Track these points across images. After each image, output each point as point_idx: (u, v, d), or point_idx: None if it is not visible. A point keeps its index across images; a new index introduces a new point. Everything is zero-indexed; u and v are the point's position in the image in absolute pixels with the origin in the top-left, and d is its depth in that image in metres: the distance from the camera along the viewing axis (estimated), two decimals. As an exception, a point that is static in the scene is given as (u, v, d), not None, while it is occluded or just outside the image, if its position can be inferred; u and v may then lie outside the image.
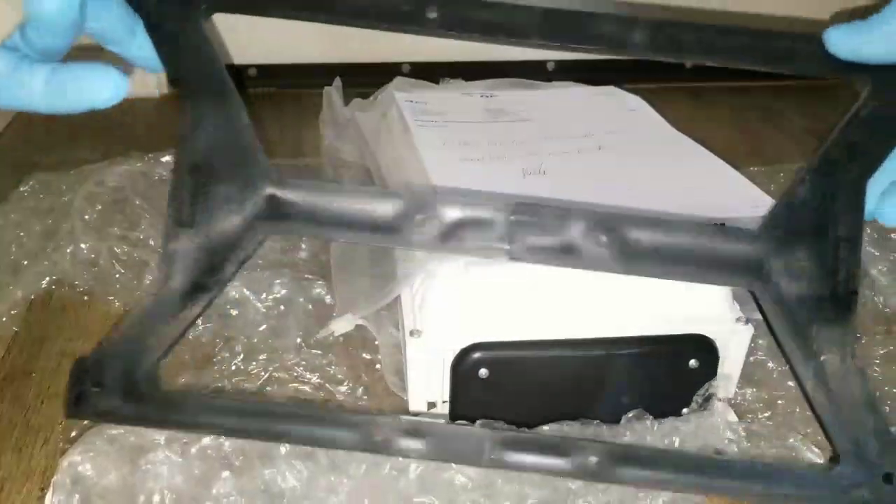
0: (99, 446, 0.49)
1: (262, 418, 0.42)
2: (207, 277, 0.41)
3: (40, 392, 0.57)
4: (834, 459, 0.41)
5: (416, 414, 0.54)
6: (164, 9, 0.41)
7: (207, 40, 0.41)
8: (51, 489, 0.47)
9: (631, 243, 0.41)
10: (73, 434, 0.52)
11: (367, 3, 0.41)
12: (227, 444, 0.50)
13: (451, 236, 0.41)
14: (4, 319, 0.64)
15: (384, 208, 0.41)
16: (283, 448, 0.49)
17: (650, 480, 0.41)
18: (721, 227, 0.42)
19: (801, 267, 0.41)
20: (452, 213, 0.41)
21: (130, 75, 0.40)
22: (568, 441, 0.42)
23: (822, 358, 0.41)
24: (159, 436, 0.49)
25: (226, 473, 0.48)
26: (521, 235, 0.41)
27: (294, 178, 0.41)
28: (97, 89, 0.38)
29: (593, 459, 0.41)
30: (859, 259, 0.41)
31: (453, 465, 0.48)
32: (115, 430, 0.50)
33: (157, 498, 0.47)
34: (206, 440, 0.49)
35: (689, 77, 1.21)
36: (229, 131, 0.41)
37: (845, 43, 0.40)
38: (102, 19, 0.40)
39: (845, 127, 0.41)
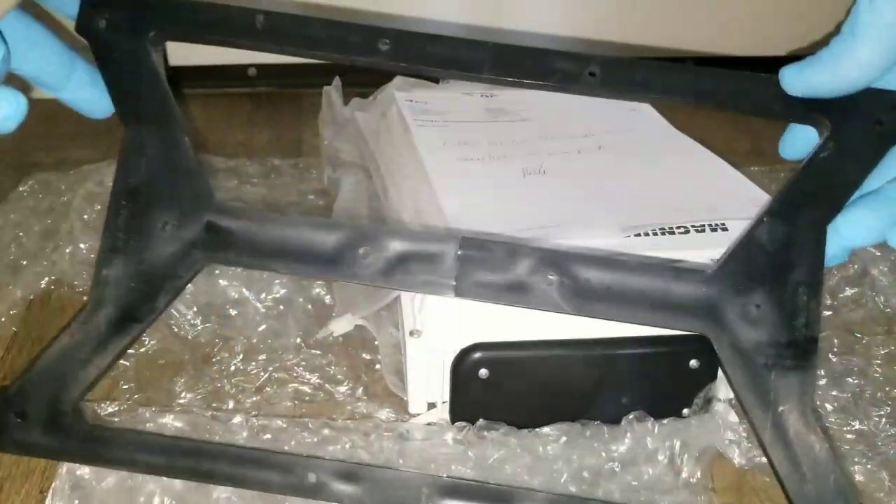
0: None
1: (190, 457, 0.42)
2: (139, 306, 0.40)
3: (40, 392, 0.57)
4: None
5: (415, 415, 0.54)
6: (114, 36, 0.40)
7: (155, 67, 0.41)
8: (50, 494, 0.47)
9: (581, 282, 0.40)
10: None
11: (322, 34, 0.41)
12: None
13: (396, 270, 0.40)
14: (3, 319, 0.64)
15: (326, 240, 0.40)
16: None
17: None
18: (674, 268, 0.41)
19: (758, 312, 0.40)
20: (397, 247, 0.40)
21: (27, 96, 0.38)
22: (513, 492, 0.41)
23: (779, 409, 0.39)
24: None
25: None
26: (469, 272, 0.40)
27: (238, 206, 0.41)
28: None
29: None
30: (819, 304, 0.40)
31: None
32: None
33: (156, 501, 0.47)
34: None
35: (689, 77, 1.20)
36: (171, 157, 0.40)
37: (797, 80, 0.40)
38: (33, 61, 0.38)
39: (805, 170, 0.40)
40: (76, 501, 0.46)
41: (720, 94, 0.42)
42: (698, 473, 0.49)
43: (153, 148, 0.40)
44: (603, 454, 0.50)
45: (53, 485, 0.47)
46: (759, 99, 0.41)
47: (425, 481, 0.41)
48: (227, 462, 0.42)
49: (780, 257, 0.40)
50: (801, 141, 0.43)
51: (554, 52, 0.41)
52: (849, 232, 0.39)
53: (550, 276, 0.40)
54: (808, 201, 0.40)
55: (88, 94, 0.40)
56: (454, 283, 0.40)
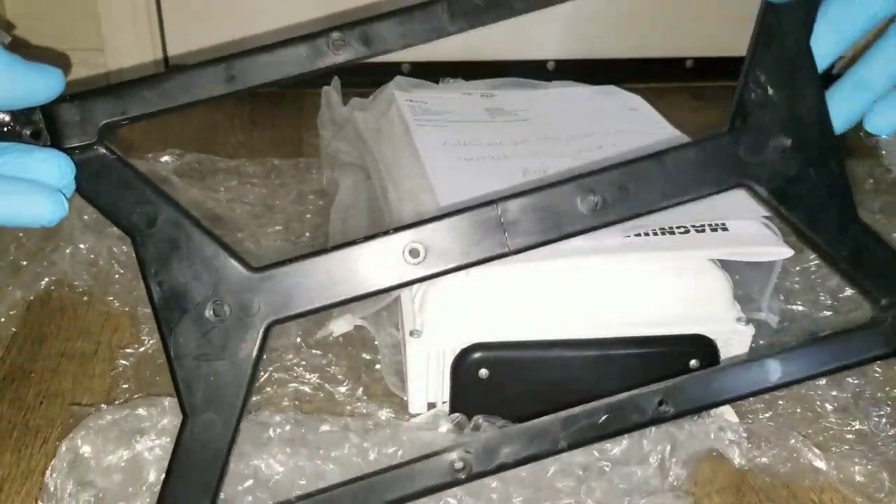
0: (97, 428, 0.49)
1: None
2: (230, 395, 0.40)
3: (39, 392, 0.57)
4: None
5: (415, 415, 0.54)
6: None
7: (119, 164, 0.40)
8: (49, 471, 0.47)
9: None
10: (71, 421, 0.53)
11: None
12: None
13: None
14: (3, 320, 0.64)
15: (367, 257, 0.40)
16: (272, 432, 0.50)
17: None
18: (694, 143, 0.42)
19: (784, 151, 0.41)
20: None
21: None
22: None
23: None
24: (157, 419, 0.50)
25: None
26: (514, 227, 0.41)
27: (272, 263, 0.40)
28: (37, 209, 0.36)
29: None
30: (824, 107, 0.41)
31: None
32: (111, 416, 0.51)
33: (153, 477, 0.47)
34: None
35: (689, 77, 1.20)
36: (187, 250, 0.40)
37: None
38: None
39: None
40: (72, 479, 0.47)
41: None
42: (684, 477, 0.49)
43: (163, 244, 0.40)
44: (595, 453, 0.50)
45: (52, 462, 0.48)
46: None
47: None
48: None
49: (783, 91, 0.41)
50: None
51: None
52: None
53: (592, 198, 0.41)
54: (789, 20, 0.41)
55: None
56: (507, 243, 0.40)
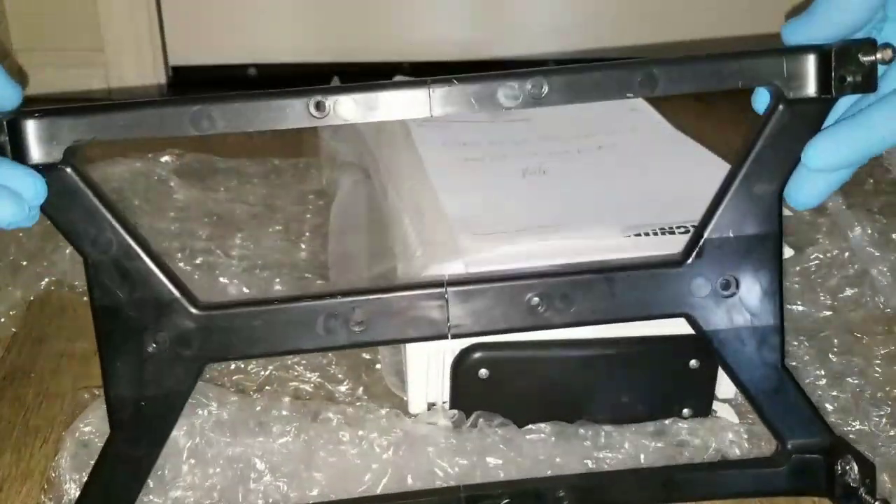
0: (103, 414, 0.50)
1: None
2: (153, 422, 0.42)
3: (39, 392, 0.57)
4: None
5: (415, 414, 0.54)
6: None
7: (81, 186, 0.40)
8: (59, 454, 0.48)
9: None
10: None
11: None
12: (226, 414, 0.51)
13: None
14: (3, 320, 0.64)
15: (311, 317, 0.41)
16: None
17: None
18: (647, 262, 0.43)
19: (732, 289, 0.43)
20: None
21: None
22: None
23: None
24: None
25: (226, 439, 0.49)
26: (459, 309, 0.42)
27: (217, 303, 0.41)
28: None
29: None
30: (779, 287, 0.43)
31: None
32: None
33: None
34: (202, 412, 0.51)
35: (689, 77, 1.20)
36: (133, 275, 0.40)
37: (796, 34, 0.41)
38: None
39: (756, 136, 0.42)
40: (78, 465, 0.47)
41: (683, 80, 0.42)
42: None
43: (114, 272, 0.40)
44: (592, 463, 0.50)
45: (61, 443, 0.49)
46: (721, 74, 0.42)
47: None
48: None
49: (742, 237, 0.42)
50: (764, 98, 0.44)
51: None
52: (813, 161, 0.40)
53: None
54: (762, 172, 0.41)
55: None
56: (448, 325, 0.41)
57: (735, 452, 0.51)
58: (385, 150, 0.74)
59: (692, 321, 0.43)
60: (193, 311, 0.40)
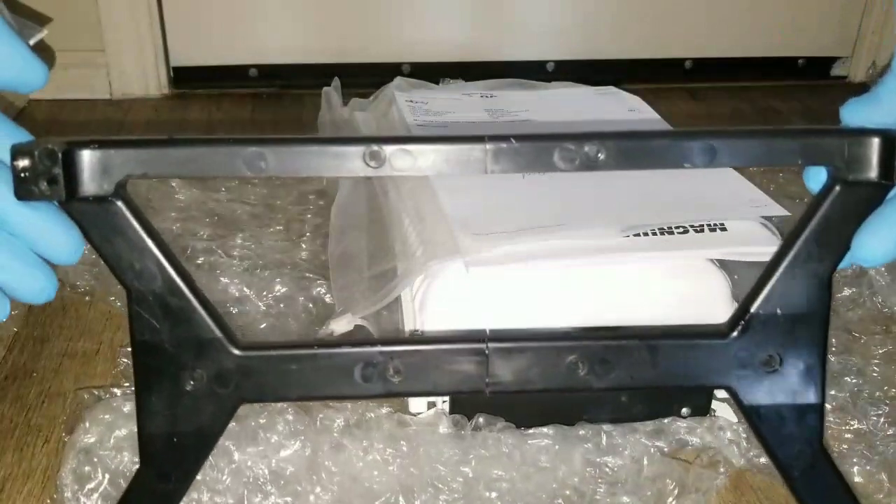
0: (107, 409, 0.51)
1: None
2: (184, 459, 0.42)
3: (41, 392, 0.57)
4: None
5: (416, 414, 0.54)
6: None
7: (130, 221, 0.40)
8: (62, 465, 0.48)
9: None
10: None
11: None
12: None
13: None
14: (5, 320, 0.64)
15: (348, 363, 0.41)
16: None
17: None
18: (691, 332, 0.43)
19: (775, 366, 0.42)
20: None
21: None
22: None
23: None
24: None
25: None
26: (498, 368, 0.41)
27: (259, 344, 0.41)
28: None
29: None
30: (824, 365, 0.42)
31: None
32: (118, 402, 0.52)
33: None
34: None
35: (688, 77, 1.21)
36: (177, 312, 0.41)
37: (856, 115, 0.40)
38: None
39: (808, 215, 0.41)
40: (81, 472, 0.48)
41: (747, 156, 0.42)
42: None
43: (157, 307, 0.40)
44: (594, 470, 0.50)
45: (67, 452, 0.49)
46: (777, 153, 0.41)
47: None
48: None
49: (789, 314, 0.41)
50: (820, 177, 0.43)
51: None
52: (862, 254, 0.40)
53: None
54: (815, 251, 0.41)
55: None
56: (487, 381, 0.41)
57: (734, 452, 0.51)
58: (385, 151, 0.74)
59: (733, 394, 0.43)
60: (234, 351, 0.40)
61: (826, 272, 0.42)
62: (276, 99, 1.14)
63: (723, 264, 0.54)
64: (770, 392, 0.42)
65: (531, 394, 0.42)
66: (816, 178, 0.42)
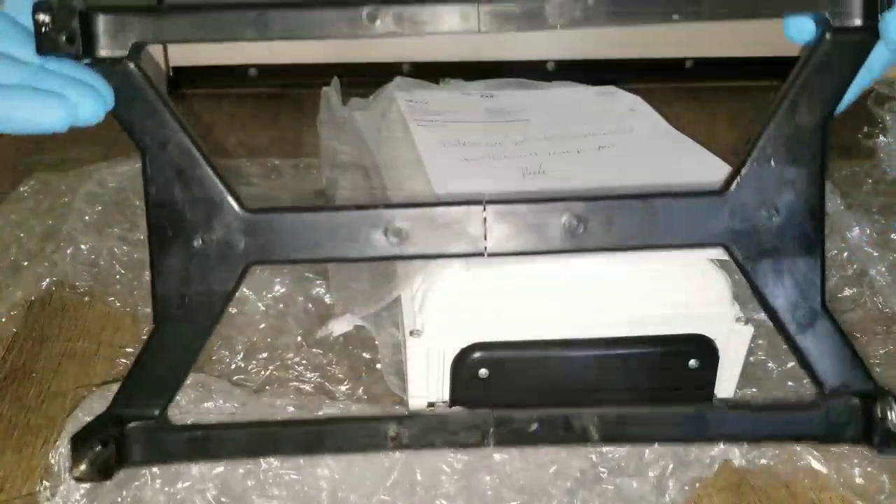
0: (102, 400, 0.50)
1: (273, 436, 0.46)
2: (197, 318, 0.44)
3: (41, 392, 0.57)
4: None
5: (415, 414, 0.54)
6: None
7: (144, 83, 0.41)
8: (59, 441, 0.48)
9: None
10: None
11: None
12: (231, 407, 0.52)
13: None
14: (4, 320, 0.64)
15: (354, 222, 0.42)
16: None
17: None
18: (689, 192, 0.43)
19: (773, 219, 0.42)
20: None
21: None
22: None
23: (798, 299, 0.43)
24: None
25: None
26: (497, 230, 0.42)
27: (266, 207, 0.43)
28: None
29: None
30: (822, 204, 0.42)
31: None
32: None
33: None
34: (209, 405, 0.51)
35: (689, 77, 1.21)
36: (189, 174, 0.42)
37: None
38: None
39: (801, 66, 0.41)
40: None
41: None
42: (681, 501, 0.49)
43: (169, 168, 0.42)
44: (593, 457, 0.50)
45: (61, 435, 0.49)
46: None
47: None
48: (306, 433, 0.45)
49: (784, 167, 0.41)
50: (805, 27, 0.43)
51: None
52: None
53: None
54: (807, 101, 0.41)
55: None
56: (485, 245, 0.42)
57: (735, 452, 0.51)
58: (385, 151, 0.74)
59: (730, 252, 0.42)
60: (241, 212, 0.42)
61: (819, 122, 0.41)
62: (276, 99, 1.14)
63: (724, 264, 0.54)
64: (767, 248, 0.42)
65: (530, 255, 0.43)
66: (800, 29, 0.41)
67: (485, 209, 0.41)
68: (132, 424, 0.44)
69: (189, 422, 0.48)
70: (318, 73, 1.02)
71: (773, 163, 0.41)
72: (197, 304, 0.43)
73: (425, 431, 0.44)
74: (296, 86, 1.15)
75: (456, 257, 0.43)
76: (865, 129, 0.69)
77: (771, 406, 0.47)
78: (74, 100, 0.39)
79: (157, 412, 0.44)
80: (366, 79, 0.91)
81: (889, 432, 0.43)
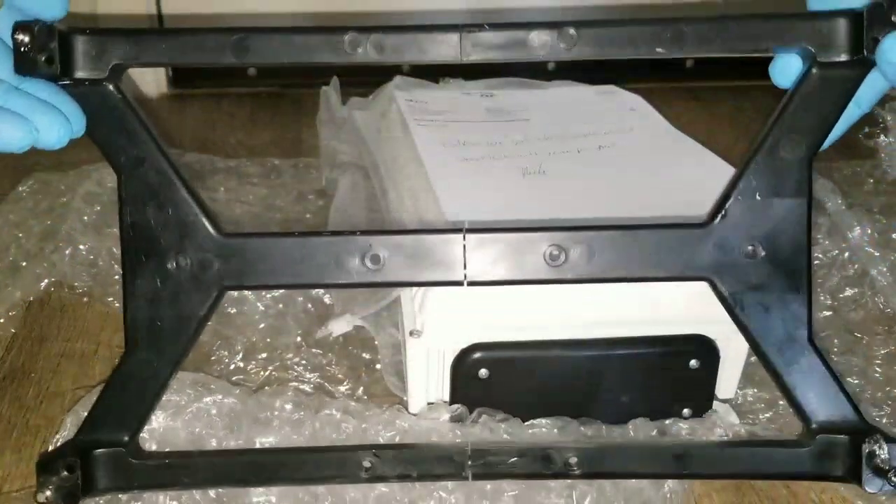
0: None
1: (251, 466, 0.44)
2: (169, 344, 0.43)
3: (39, 392, 0.57)
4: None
5: (416, 414, 0.54)
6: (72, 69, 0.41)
7: (122, 104, 0.41)
8: (58, 433, 0.48)
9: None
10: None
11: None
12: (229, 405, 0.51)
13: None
14: (3, 320, 0.64)
15: (330, 250, 0.42)
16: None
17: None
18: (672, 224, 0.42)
19: (756, 254, 0.41)
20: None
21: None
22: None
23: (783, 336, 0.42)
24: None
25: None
26: (478, 258, 0.42)
27: (244, 233, 0.43)
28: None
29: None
30: (808, 240, 0.41)
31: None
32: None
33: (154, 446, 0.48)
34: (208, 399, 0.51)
35: (689, 77, 1.20)
36: (165, 197, 0.42)
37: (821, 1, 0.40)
38: None
39: (787, 103, 0.41)
40: None
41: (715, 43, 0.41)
42: (680, 493, 0.48)
43: (144, 190, 0.41)
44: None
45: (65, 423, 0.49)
46: (749, 39, 0.41)
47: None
48: (283, 464, 0.44)
49: (769, 201, 0.41)
50: (790, 68, 0.43)
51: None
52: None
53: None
54: (792, 136, 0.41)
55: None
56: (465, 273, 0.41)
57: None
58: (385, 150, 0.74)
59: (714, 286, 0.41)
60: (215, 235, 0.41)
61: (805, 158, 0.41)
62: (275, 99, 1.14)
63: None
64: (752, 283, 0.41)
65: (510, 285, 0.42)
66: (785, 70, 0.41)
67: (465, 237, 0.41)
68: (98, 451, 0.43)
69: (154, 448, 0.47)
70: (317, 73, 1.02)
71: (757, 196, 0.41)
72: (170, 329, 0.42)
73: (400, 462, 0.43)
74: (295, 85, 1.15)
75: (434, 286, 0.43)
76: (867, 129, 0.68)
77: (757, 443, 0.47)
78: (39, 124, 0.38)
79: (126, 438, 0.43)
80: (365, 78, 0.91)
81: (878, 469, 0.42)
